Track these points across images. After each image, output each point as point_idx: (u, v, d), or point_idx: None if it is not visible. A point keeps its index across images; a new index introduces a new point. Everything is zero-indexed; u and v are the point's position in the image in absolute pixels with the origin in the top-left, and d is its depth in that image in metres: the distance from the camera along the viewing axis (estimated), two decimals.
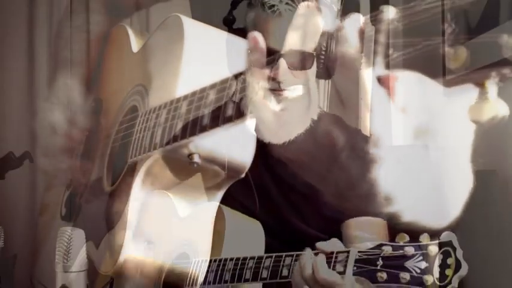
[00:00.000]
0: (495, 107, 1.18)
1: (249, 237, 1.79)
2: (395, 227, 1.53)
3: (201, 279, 1.77)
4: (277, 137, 1.74)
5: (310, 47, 1.55)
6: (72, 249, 2.08)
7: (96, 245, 2.06)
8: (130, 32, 2.22)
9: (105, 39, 2.34)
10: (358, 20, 1.50)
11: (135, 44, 2.19)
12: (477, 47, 1.17)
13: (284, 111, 1.62)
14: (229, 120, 1.62)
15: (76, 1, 2.40)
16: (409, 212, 1.53)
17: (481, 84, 1.17)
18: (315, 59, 1.53)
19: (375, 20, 1.37)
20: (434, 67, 1.24)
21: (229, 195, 1.85)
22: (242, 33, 1.79)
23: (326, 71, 1.53)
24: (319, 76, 1.56)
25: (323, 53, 1.51)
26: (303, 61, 1.61)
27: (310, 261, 1.53)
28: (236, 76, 1.65)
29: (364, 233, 1.57)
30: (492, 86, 1.17)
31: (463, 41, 1.18)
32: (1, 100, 2.56)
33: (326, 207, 1.72)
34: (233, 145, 1.74)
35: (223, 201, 1.84)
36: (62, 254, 2.08)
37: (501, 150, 1.67)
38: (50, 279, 2.12)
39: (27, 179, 2.46)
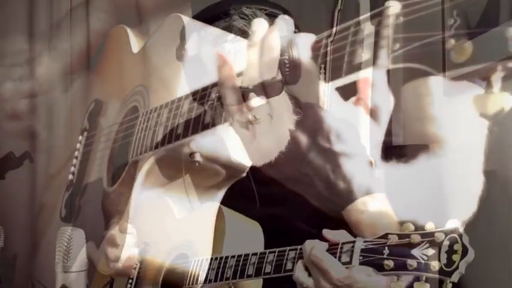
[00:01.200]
0: (501, 100, 1.19)
1: (249, 238, 1.79)
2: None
3: (201, 278, 1.77)
4: (257, 160, 1.70)
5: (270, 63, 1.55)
6: (72, 249, 2.08)
7: (97, 245, 2.06)
8: (130, 32, 2.22)
9: (104, 40, 2.34)
10: (310, 37, 1.51)
11: (135, 45, 2.19)
12: (482, 40, 1.17)
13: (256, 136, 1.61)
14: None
15: (76, 2, 2.41)
16: (405, 210, 1.53)
17: (486, 78, 1.18)
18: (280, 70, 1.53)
19: (376, 16, 1.37)
20: (438, 62, 1.24)
21: (229, 194, 1.85)
22: None
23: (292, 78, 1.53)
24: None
25: (286, 61, 1.51)
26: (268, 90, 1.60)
27: (310, 246, 1.54)
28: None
29: (368, 211, 1.57)
30: (498, 80, 1.18)
31: (468, 34, 1.18)
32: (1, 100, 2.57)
33: (312, 209, 1.72)
34: (234, 144, 1.74)
35: (225, 199, 1.85)
36: (62, 254, 2.09)
37: (501, 150, 1.67)
38: (50, 279, 2.13)
39: (27, 179, 2.46)
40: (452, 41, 1.19)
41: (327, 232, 1.54)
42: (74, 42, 2.37)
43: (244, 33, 1.77)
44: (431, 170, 1.58)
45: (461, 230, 1.37)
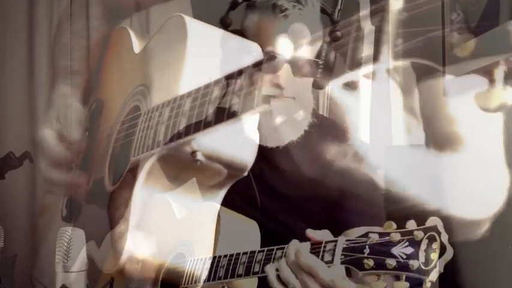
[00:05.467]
0: (502, 95, 1.18)
1: (245, 237, 1.79)
2: (400, 211, 1.53)
3: (197, 277, 1.77)
4: (269, 140, 1.75)
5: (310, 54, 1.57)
6: (72, 249, 2.08)
7: (98, 245, 2.06)
8: (131, 33, 2.23)
9: (105, 43, 2.34)
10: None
11: (137, 45, 2.19)
12: (485, 35, 1.17)
13: (276, 114, 1.63)
14: (233, 115, 1.62)
15: (76, 5, 2.41)
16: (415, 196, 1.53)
17: (489, 73, 1.18)
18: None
19: (376, 14, 1.37)
20: (439, 56, 1.24)
21: (231, 193, 1.85)
22: (238, 35, 1.80)
23: (321, 81, 1.54)
24: (315, 86, 1.58)
25: (321, 62, 1.51)
26: (307, 68, 1.62)
27: (294, 248, 1.54)
28: (239, 73, 1.66)
29: None
30: (500, 74, 1.17)
31: (470, 29, 1.18)
32: (1, 100, 2.57)
33: (313, 209, 1.72)
34: (236, 143, 1.75)
35: (225, 199, 1.84)
36: (62, 254, 2.08)
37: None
38: (50, 279, 2.12)
39: (27, 179, 2.46)
40: (455, 36, 1.19)
41: (310, 231, 1.54)
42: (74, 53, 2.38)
43: None
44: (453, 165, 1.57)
45: (440, 227, 1.36)
